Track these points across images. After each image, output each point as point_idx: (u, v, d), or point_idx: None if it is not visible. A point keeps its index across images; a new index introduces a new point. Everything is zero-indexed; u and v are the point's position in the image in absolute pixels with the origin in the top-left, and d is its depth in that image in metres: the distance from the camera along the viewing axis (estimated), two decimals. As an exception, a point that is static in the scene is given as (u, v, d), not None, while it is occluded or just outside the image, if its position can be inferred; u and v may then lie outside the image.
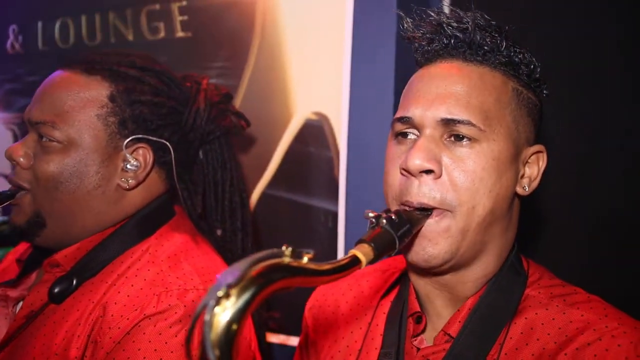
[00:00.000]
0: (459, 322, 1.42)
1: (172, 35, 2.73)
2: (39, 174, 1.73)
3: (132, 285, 1.66)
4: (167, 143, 1.83)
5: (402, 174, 1.39)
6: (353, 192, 2.29)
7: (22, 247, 2.01)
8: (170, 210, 1.91)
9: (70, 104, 1.74)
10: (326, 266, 1.11)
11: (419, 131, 1.39)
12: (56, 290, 1.70)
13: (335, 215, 2.33)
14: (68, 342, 1.62)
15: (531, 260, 1.52)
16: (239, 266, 0.95)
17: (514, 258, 1.47)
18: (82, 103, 1.74)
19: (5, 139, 3.24)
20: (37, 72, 3.09)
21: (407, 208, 1.37)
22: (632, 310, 1.38)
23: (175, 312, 1.59)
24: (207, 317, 0.90)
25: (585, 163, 2.09)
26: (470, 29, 1.40)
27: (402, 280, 1.60)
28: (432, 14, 1.45)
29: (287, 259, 1.02)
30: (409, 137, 1.42)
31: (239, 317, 0.91)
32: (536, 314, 1.38)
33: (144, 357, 1.54)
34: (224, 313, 0.91)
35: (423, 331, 1.48)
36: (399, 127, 1.42)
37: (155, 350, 1.54)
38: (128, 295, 1.64)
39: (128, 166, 1.77)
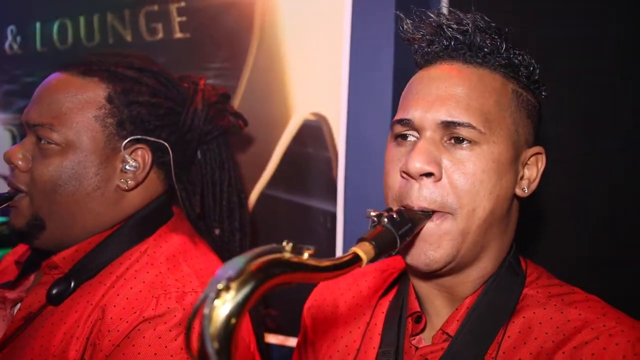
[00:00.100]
0: (457, 321, 1.42)
1: (170, 36, 2.73)
2: (38, 177, 1.72)
3: (131, 288, 1.66)
4: (165, 143, 1.82)
5: (402, 176, 1.39)
6: (352, 193, 2.29)
7: (20, 249, 2.01)
8: (169, 211, 1.91)
9: (67, 106, 1.73)
10: (326, 262, 1.10)
11: (418, 133, 1.39)
12: (54, 292, 1.70)
13: (333, 216, 2.33)
14: (67, 344, 1.62)
15: (529, 261, 1.52)
16: (239, 260, 0.95)
17: (512, 258, 1.47)
18: (80, 105, 1.74)
19: (4, 140, 3.24)
20: (36, 73, 3.11)
21: (408, 209, 1.37)
22: (631, 310, 1.38)
23: (175, 316, 1.59)
24: (206, 310, 0.90)
25: (585, 163, 2.10)
26: (470, 30, 1.40)
27: (401, 280, 1.60)
28: (432, 16, 1.45)
29: (287, 255, 1.02)
30: (408, 139, 1.41)
31: (238, 310, 0.91)
32: (534, 313, 1.38)
33: None
34: (223, 306, 0.91)
35: (422, 331, 1.48)
36: (399, 129, 1.42)
37: (155, 354, 1.54)
38: (127, 298, 1.63)
39: (127, 167, 1.77)
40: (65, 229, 1.75)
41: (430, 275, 1.43)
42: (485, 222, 1.36)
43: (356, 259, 1.17)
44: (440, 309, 1.47)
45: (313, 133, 2.38)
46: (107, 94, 1.77)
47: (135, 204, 1.82)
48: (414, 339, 1.47)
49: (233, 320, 0.91)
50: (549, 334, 1.34)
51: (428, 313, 1.49)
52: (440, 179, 1.35)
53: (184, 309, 1.60)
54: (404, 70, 2.10)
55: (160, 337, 1.56)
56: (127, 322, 1.58)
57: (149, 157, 1.80)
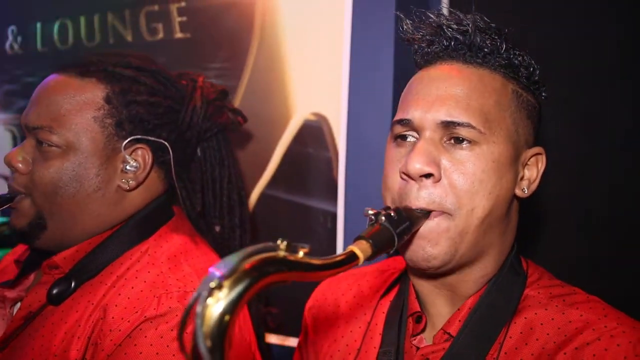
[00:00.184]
0: (459, 321, 1.42)
1: (171, 36, 2.73)
2: (38, 179, 1.72)
3: (132, 287, 1.66)
4: (165, 143, 1.82)
5: (401, 177, 1.39)
6: (352, 193, 2.29)
7: (20, 248, 2.01)
8: (169, 211, 1.91)
9: (66, 108, 1.73)
10: (322, 261, 1.10)
11: (418, 133, 1.39)
12: (55, 291, 1.70)
13: (334, 216, 2.33)
14: (67, 344, 1.62)
15: (530, 261, 1.52)
16: (233, 258, 0.95)
17: (514, 258, 1.47)
18: (79, 106, 1.74)
19: (5, 140, 3.24)
20: (36, 73, 3.11)
21: (406, 209, 1.37)
22: (632, 310, 1.38)
23: (176, 315, 1.59)
24: (199, 308, 0.90)
25: (585, 163, 2.09)
26: (470, 31, 1.40)
27: (401, 280, 1.61)
28: (432, 16, 1.45)
29: (281, 253, 1.02)
30: (408, 139, 1.41)
31: (231, 308, 0.91)
32: (535, 314, 1.38)
33: None
34: (216, 304, 0.90)
35: (422, 330, 1.48)
36: (399, 129, 1.42)
37: (157, 353, 1.54)
38: (128, 298, 1.64)
39: (127, 167, 1.77)
40: (66, 230, 1.75)
41: (431, 274, 1.43)
42: (484, 222, 1.36)
43: (353, 257, 1.17)
44: (441, 309, 1.47)
45: (313, 133, 2.38)
46: (106, 94, 1.76)
47: (136, 204, 1.82)
48: (414, 339, 1.47)
49: (226, 318, 0.90)
50: (550, 334, 1.34)
51: (429, 313, 1.49)
52: (439, 180, 1.35)
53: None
54: (404, 71, 2.10)
55: (162, 337, 1.56)
56: (128, 321, 1.58)
57: (149, 157, 1.80)
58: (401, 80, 2.05)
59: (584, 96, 2.10)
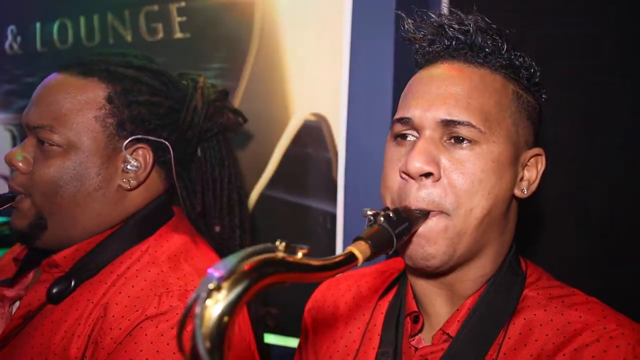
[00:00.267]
0: (458, 321, 1.42)
1: (170, 36, 2.73)
2: (39, 178, 1.72)
3: (133, 286, 1.66)
4: (166, 142, 1.82)
5: (401, 177, 1.39)
6: (351, 194, 2.29)
7: (18, 247, 2.00)
8: (169, 211, 1.91)
9: (67, 107, 1.73)
10: (321, 262, 1.10)
11: (418, 132, 1.39)
12: (54, 290, 1.69)
13: (333, 217, 2.33)
14: (67, 342, 1.62)
15: (529, 262, 1.52)
16: (232, 259, 0.95)
17: (512, 259, 1.47)
18: (80, 106, 1.74)
19: (4, 140, 3.24)
20: (36, 73, 3.12)
21: (405, 209, 1.37)
22: (631, 310, 1.38)
23: (177, 313, 1.59)
24: (198, 309, 0.90)
25: (584, 162, 2.09)
26: (471, 31, 1.40)
27: (400, 280, 1.61)
28: (433, 16, 1.45)
29: (280, 254, 1.02)
30: (408, 138, 1.41)
31: (230, 310, 0.91)
32: (535, 314, 1.38)
33: (146, 359, 1.54)
34: (215, 306, 0.90)
35: (420, 331, 1.48)
36: (399, 128, 1.42)
37: (158, 351, 1.54)
38: (129, 296, 1.64)
39: (128, 167, 1.77)
40: (66, 230, 1.75)
41: (429, 273, 1.42)
42: (483, 222, 1.36)
43: (352, 258, 1.17)
44: (439, 309, 1.47)
45: (313, 133, 2.38)
46: (107, 94, 1.76)
47: (136, 203, 1.82)
48: (413, 340, 1.47)
49: (225, 320, 0.90)
50: (549, 335, 1.34)
51: (427, 313, 1.49)
52: (439, 179, 1.35)
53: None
54: (404, 71, 2.10)
55: (162, 335, 1.56)
56: (129, 319, 1.58)
57: (150, 157, 1.80)
58: (401, 80, 2.05)
59: (583, 95, 2.10)
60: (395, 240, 1.25)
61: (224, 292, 0.91)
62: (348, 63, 2.27)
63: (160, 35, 2.76)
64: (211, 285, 0.91)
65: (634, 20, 2.05)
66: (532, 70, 1.44)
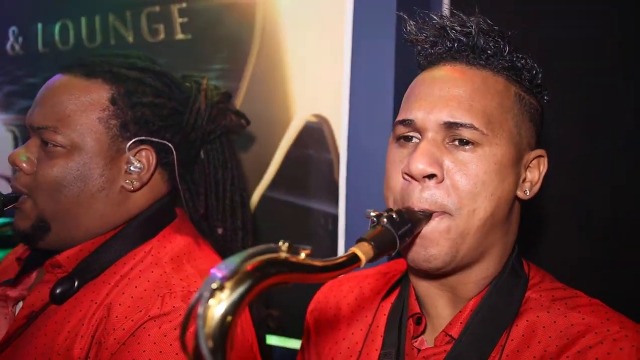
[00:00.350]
0: (461, 323, 1.42)
1: (171, 37, 2.74)
2: (42, 178, 1.72)
3: (136, 287, 1.66)
4: (170, 144, 1.82)
5: (404, 178, 1.39)
6: (353, 195, 2.29)
7: (21, 247, 2.00)
8: (172, 213, 1.91)
9: (71, 108, 1.73)
10: (323, 263, 1.10)
11: (420, 134, 1.39)
12: (58, 291, 1.70)
13: (335, 218, 2.33)
14: (71, 342, 1.62)
15: (532, 264, 1.52)
16: (234, 260, 0.95)
17: (515, 261, 1.47)
18: (84, 107, 1.74)
19: (6, 141, 3.24)
20: (37, 74, 3.12)
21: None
22: (634, 312, 1.38)
23: (180, 314, 1.59)
24: (201, 309, 0.90)
25: (586, 164, 2.09)
26: (473, 32, 1.40)
27: (402, 282, 1.60)
28: (435, 18, 1.45)
29: (283, 254, 1.02)
30: (410, 140, 1.42)
31: (233, 309, 0.91)
32: (537, 316, 1.38)
33: (149, 359, 1.54)
34: (218, 305, 0.90)
35: (423, 332, 1.48)
36: (401, 130, 1.42)
37: (161, 352, 1.54)
38: (132, 297, 1.64)
39: (132, 168, 1.77)
40: (69, 231, 1.75)
41: (432, 275, 1.42)
42: (486, 223, 1.36)
43: (354, 260, 1.17)
44: (442, 311, 1.47)
45: (314, 135, 2.38)
46: (111, 95, 1.77)
47: (139, 204, 1.82)
48: (415, 341, 1.47)
49: (228, 319, 0.90)
50: (552, 338, 1.34)
51: (429, 314, 1.49)
52: (442, 180, 1.35)
53: None
54: (405, 72, 2.10)
55: (165, 335, 1.56)
56: (132, 320, 1.58)
57: (153, 158, 1.80)
58: (402, 81, 2.06)
59: (586, 97, 2.10)
60: (398, 241, 1.25)
61: (226, 291, 0.92)
62: (349, 64, 2.27)
63: (162, 36, 2.76)
64: (214, 285, 0.91)
65: (637, 21, 2.05)
66: (534, 71, 1.44)
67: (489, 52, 1.40)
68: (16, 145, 3.17)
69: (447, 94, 1.37)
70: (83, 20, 2.97)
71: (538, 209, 1.98)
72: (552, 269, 1.52)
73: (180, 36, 2.71)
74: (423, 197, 1.34)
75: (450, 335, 1.41)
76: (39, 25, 3.14)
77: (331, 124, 2.33)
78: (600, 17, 2.09)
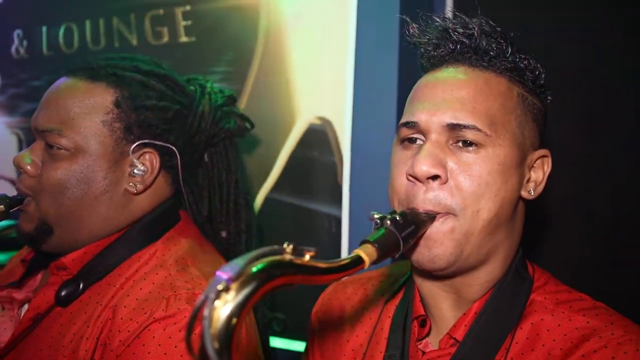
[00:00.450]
0: (465, 326, 1.42)
1: (175, 40, 2.74)
2: (46, 181, 1.73)
3: (141, 289, 1.67)
4: (173, 147, 1.83)
5: (408, 179, 1.39)
6: (356, 197, 2.29)
7: (26, 249, 2.01)
8: (176, 215, 1.91)
9: (75, 111, 1.74)
10: (328, 264, 1.11)
11: (424, 136, 1.39)
12: (63, 293, 1.70)
13: (338, 221, 2.33)
14: (76, 344, 1.62)
15: (536, 266, 1.52)
16: (240, 261, 0.95)
17: (519, 262, 1.47)
18: (88, 110, 1.74)
19: (11, 144, 3.25)
20: (42, 77, 3.13)
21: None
22: (635, 313, 1.38)
23: (185, 316, 1.59)
24: (206, 310, 0.90)
25: (588, 164, 2.09)
26: (476, 34, 1.41)
27: (407, 284, 1.60)
28: (438, 20, 1.45)
29: (288, 256, 1.02)
30: (414, 142, 1.42)
31: (239, 311, 0.92)
32: (542, 319, 1.38)
33: None
34: (224, 307, 0.91)
35: (428, 334, 1.48)
36: (405, 132, 1.42)
37: (165, 354, 1.54)
38: (137, 299, 1.64)
39: (135, 171, 1.77)
40: (73, 233, 1.76)
41: (436, 276, 1.43)
42: (490, 223, 1.36)
43: (358, 262, 1.17)
44: (446, 313, 1.47)
45: (318, 137, 2.39)
46: (115, 98, 1.77)
47: (143, 207, 1.82)
48: (420, 343, 1.47)
49: (234, 321, 0.91)
50: (556, 341, 1.34)
51: (433, 317, 1.49)
52: (446, 182, 1.35)
53: None
54: (409, 75, 2.10)
55: (170, 337, 1.56)
56: (137, 322, 1.59)
57: (157, 161, 1.81)
58: (405, 84, 2.06)
59: (587, 97, 2.10)
60: (402, 243, 1.25)
61: (232, 293, 0.92)
62: (353, 67, 2.28)
63: (166, 39, 2.76)
64: (220, 287, 0.91)
65: (638, 22, 2.05)
66: (536, 72, 1.44)
67: (491, 53, 1.41)
68: (21, 148, 3.17)
69: (450, 95, 1.38)
70: (87, 24, 2.98)
71: (539, 209, 1.98)
72: (554, 269, 1.52)
73: (184, 39, 2.72)
74: (427, 198, 1.35)
75: (455, 338, 1.41)
76: (44, 29, 3.14)
77: (335, 126, 2.34)
78: (602, 18, 2.09)
